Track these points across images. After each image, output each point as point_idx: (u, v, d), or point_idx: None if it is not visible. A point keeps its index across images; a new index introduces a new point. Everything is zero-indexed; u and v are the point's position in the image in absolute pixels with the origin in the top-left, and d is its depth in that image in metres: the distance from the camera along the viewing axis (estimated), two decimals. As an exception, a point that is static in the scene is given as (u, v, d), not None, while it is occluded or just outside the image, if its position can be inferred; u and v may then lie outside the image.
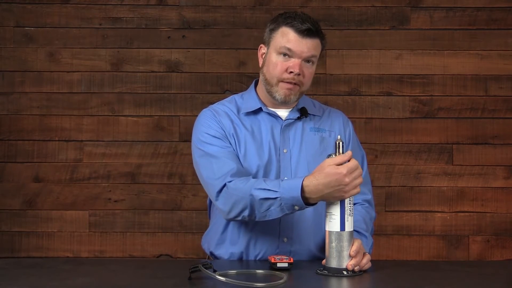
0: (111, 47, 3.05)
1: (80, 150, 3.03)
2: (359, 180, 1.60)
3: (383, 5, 3.05)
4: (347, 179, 1.58)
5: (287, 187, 1.67)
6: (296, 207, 1.67)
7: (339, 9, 3.06)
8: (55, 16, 3.05)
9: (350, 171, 1.59)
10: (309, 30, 1.82)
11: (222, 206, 1.79)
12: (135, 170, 3.03)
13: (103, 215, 3.02)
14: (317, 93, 2.98)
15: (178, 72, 3.05)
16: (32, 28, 3.05)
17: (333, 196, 1.60)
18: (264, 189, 1.70)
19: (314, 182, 1.62)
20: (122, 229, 3.02)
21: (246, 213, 1.74)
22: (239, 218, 1.77)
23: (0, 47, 3.04)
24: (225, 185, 1.77)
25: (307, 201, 1.66)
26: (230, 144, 1.86)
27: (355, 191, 1.60)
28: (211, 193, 1.81)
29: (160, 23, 3.06)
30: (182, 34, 3.06)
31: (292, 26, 1.83)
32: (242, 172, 1.80)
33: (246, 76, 3.03)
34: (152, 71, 3.05)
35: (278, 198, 1.67)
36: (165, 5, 3.06)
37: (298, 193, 1.64)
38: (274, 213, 1.70)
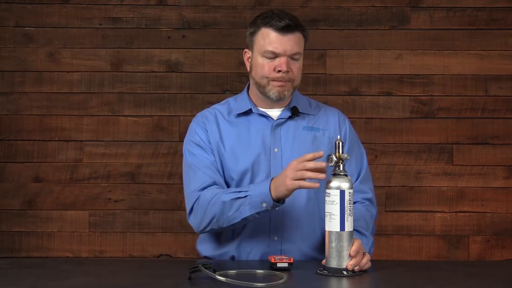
0: (111, 47, 3.05)
1: (80, 150, 3.03)
2: (300, 173, 1.66)
3: (383, 5, 3.05)
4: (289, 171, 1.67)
5: (256, 186, 1.76)
6: (264, 204, 1.73)
7: (339, 9, 3.06)
8: (55, 16, 3.05)
9: (294, 164, 1.67)
10: (288, 26, 1.84)
11: (193, 220, 1.88)
12: (135, 170, 3.03)
13: (103, 215, 3.02)
14: (317, 93, 2.98)
15: (178, 72, 3.05)
16: (32, 28, 3.05)
17: (280, 185, 1.69)
18: (234, 191, 1.79)
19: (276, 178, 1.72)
20: (122, 229, 3.02)
21: (215, 220, 1.81)
22: (209, 227, 1.84)
23: (0, 47, 3.04)
24: (197, 199, 1.84)
25: (274, 199, 1.72)
26: (213, 153, 1.91)
27: (296, 182, 1.66)
28: (187, 207, 1.89)
29: (160, 23, 3.06)
30: (182, 34, 3.06)
31: (271, 25, 1.85)
32: (216, 184, 1.86)
33: (246, 76, 3.00)
34: (152, 71, 3.05)
35: (248, 196, 1.74)
36: (165, 5, 3.06)
37: (266, 188, 1.71)
38: (243, 212, 1.76)
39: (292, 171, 1.67)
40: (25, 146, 3.03)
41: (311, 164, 1.65)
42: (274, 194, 1.71)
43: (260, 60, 1.88)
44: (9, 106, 3.03)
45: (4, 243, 3.01)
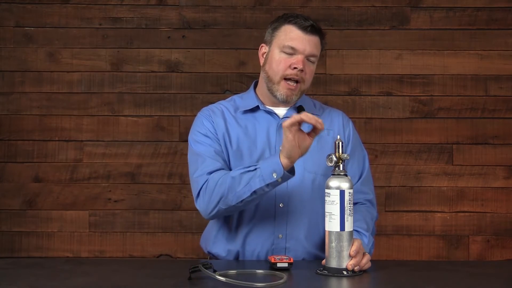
0: (111, 47, 3.05)
1: (80, 150, 3.03)
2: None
3: (383, 5, 3.05)
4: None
5: (265, 159, 1.76)
6: (275, 174, 1.70)
7: (339, 9, 3.06)
8: (55, 16, 3.05)
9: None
10: (312, 26, 1.88)
11: (201, 203, 1.84)
12: (135, 170, 3.03)
13: (103, 215, 3.02)
14: (317, 93, 2.98)
15: (178, 72, 3.06)
16: (32, 28, 3.05)
17: (286, 143, 1.67)
18: (243, 167, 1.78)
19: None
20: (122, 229, 3.02)
21: (223, 198, 1.78)
22: (217, 209, 1.81)
23: (0, 47, 3.04)
24: (206, 181, 1.82)
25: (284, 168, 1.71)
26: (220, 144, 1.90)
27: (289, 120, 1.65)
28: (194, 191, 1.87)
29: (160, 23, 3.06)
30: (182, 34, 3.06)
31: (295, 23, 1.88)
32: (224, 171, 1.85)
33: (246, 76, 3.03)
34: (152, 71, 3.05)
35: (258, 169, 1.73)
36: (165, 5, 3.06)
37: (276, 157, 1.70)
38: (253, 185, 1.73)
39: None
40: (25, 146, 3.03)
41: (310, 115, 1.65)
42: (282, 160, 1.70)
43: (277, 55, 1.89)
44: (9, 106, 3.03)
45: (4, 243, 3.01)
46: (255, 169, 1.74)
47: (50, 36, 3.05)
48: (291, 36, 1.87)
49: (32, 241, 3.01)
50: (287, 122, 1.65)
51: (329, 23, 3.05)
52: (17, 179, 3.02)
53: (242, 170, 1.76)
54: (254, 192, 1.74)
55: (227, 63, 3.05)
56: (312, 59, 1.90)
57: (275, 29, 1.92)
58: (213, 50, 3.05)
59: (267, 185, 1.72)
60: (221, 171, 1.83)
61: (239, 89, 2.90)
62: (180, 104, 3.04)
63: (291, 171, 1.73)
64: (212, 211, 1.82)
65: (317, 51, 1.91)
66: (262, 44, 1.97)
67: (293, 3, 3.04)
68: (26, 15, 3.05)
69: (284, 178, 1.73)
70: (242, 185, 1.74)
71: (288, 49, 1.87)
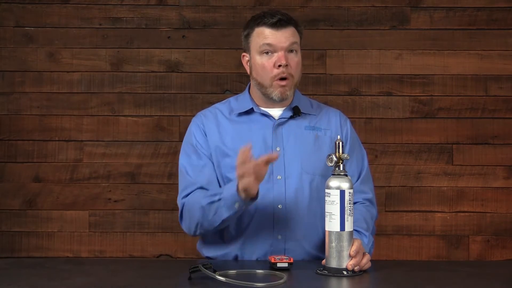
0: (111, 47, 3.05)
1: (80, 150, 3.03)
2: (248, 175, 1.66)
3: (383, 5, 3.05)
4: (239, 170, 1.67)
5: (227, 187, 1.77)
6: (237, 204, 1.73)
7: (339, 9, 3.06)
8: (55, 16, 3.05)
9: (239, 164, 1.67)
10: (280, 20, 1.87)
11: (184, 226, 1.90)
12: (135, 170, 3.03)
13: (103, 215, 3.02)
14: (317, 93, 2.98)
15: (178, 72, 3.06)
16: (32, 28, 3.05)
17: (241, 184, 1.68)
18: (210, 195, 1.80)
19: None
20: (122, 229, 3.02)
21: (199, 225, 1.83)
22: (198, 231, 1.86)
23: (0, 47, 3.04)
24: (183, 205, 1.87)
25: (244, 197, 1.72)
26: (207, 156, 1.91)
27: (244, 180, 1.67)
28: (179, 213, 1.91)
29: (160, 23, 3.06)
30: (182, 34, 3.06)
31: (263, 23, 1.88)
32: (203, 188, 1.87)
33: (246, 76, 2.99)
34: (152, 71, 3.05)
35: (222, 199, 1.75)
36: (165, 5, 3.06)
37: (233, 189, 1.71)
38: (220, 214, 1.77)
39: (237, 169, 1.68)
40: (25, 146, 3.03)
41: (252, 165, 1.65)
42: (241, 194, 1.71)
43: (258, 59, 1.89)
44: (9, 106, 3.03)
45: (4, 243, 3.01)
46: (219, 199, 1.76)
47: (50, 36, 3.05)
48: (264, 36, 1.87)
49: (32, 241, 3.01)
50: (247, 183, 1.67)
51: (329, 23, 3.05)
52: (17, 179, 3.02)
53: (208, 200, 1.79)
54: (226, 219, 1.77)
55: (227, 63, 3.05)
56: (293, 46, 1.88)
57: (248, 35, 1.93)
58: (213, 50, 3.05)
59: (235, 212, 1.75)
60: (195, 193, 1.85)
61: (239, 89, 2.90)
62: (180, 104, 3.04)
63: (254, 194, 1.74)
64: (194, 232, 1.88)
65: (294, 39, 1.88)
66: (243, 53, 1.98)
67: (293, 3, 3.04)
68: (26, 15, 3.05)
69: (248, 205, 1.75)
70: (211, 214, 1.78)
71: (265, 47, 1.87)
